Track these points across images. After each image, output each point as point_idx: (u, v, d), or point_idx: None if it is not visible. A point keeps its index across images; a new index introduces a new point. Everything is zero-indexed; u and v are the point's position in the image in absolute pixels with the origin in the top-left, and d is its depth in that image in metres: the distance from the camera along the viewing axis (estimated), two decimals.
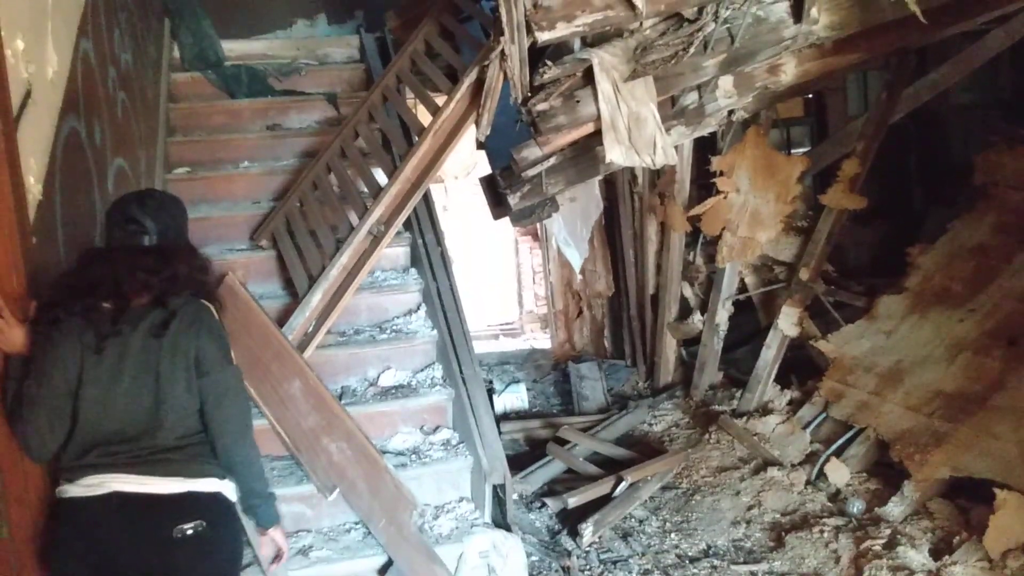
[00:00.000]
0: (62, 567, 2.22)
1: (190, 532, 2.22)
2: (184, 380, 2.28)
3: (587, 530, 4.24)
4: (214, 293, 2.50)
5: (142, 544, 2.21)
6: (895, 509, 4.06)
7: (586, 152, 4.00)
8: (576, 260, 6.92)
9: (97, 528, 2.20)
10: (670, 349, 6.18)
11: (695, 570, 4.01)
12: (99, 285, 2.26)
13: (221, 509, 2.34)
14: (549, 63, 3.34)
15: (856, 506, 4.19)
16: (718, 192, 5.48)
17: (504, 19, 3.00)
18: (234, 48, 5.87)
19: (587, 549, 4.23)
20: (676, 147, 4.61)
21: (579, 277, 7.22)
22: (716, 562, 4.04)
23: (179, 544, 2.21)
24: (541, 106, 3.44)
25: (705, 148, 5.65)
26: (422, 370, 4.30)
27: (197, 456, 2.32)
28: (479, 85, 3.76)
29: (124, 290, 2.27)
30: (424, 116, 4.34)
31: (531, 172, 3.95)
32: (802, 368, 5.33)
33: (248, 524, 2.72)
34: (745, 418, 5.10)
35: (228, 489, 2.38)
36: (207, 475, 2.31)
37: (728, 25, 3.45)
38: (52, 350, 2.20)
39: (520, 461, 5.18)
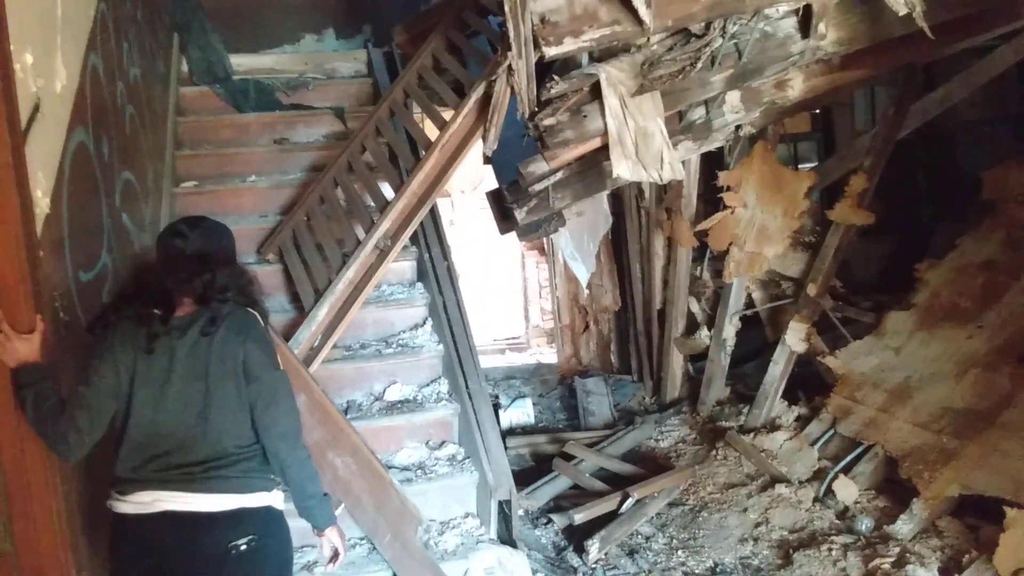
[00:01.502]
0: (121, 571, 2.33)
1: (244, 548, 2.29)
2: (233, 384, 2.32)
3: (593, 547, 4.21)
4: (259, 302, 2.54)
5: (197, 561, 2.28)
6: (904, 527, 4.03)
7: (593, 167, 4.00)
8: (583, 275, 6.91)
9: (152, 546, 2.27)
10: (677, 364, 6.16)
11: None
12: (146, 290, 2.36)
13: (270, 521, 2.41)
14: (556, 78, 3.34)
15: (865, 524, 4.15)
16: (725, 207, 5.47)
17: (512, 34, 3.01)
18: (242, 62, 5.90)
19: (593, 566, 4.21)
20: (683, 162, 4.60)
21: (586, 292, 7.20)
22: None
23: (234, 559, 2.28)
24: (548, 121, 3.44)
25: (712, 163, 5.65)
26: (428, 385, 4.30)
27: (249, 471, 2.36)
28: (486, 100, 3.77)
29: (169, 294, 2.35)
30: (431, 130, 4.35)
31: (538, 187, 3.95)
32: (810, 384, 5.31)
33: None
34: (752, 434, 5.08)
35: (277, 499, 2.44)
36: (257, 489, 2.36)
37: (735, 40, 3.45)
38: (104, 351, 2.28)
39: (526, 477, 5.16)
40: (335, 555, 2.60)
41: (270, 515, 2.41)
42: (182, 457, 2.30)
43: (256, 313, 2.47)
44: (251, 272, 2.59)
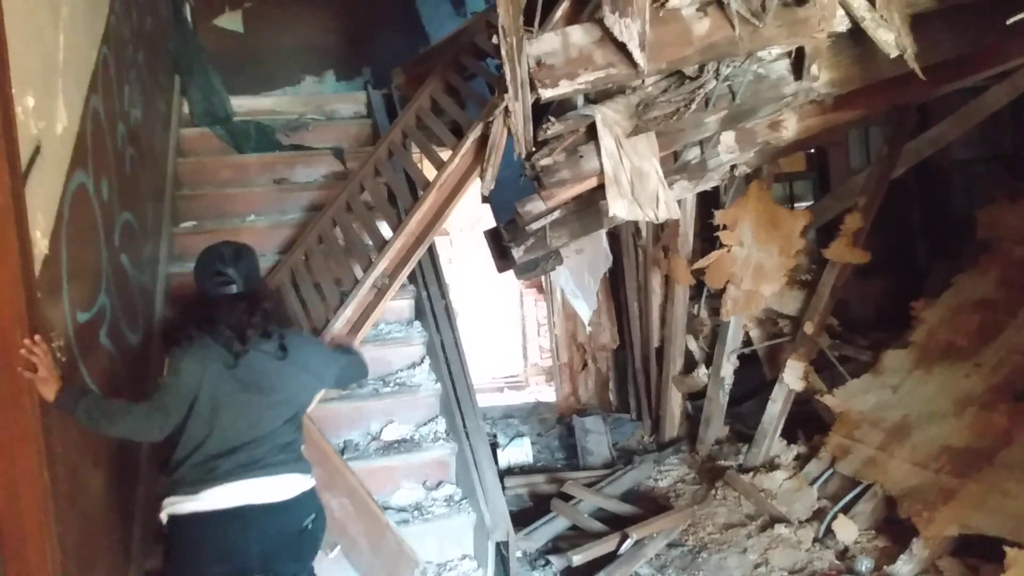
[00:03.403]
0: (199, 571, 2.61)
1: (310, 525, 2.75)
2: (297, 391, 2.81)
3: None
4: (288, 316, 3.02)
5: (278, 543, 2.67)
6: (904, 567, 4.00)
7: (590, 206, 4.03)
8: (585, 312, 6.91)
9: (232, 535, 2.60)
10: (675, 403, 6.14)
11: None
12: (216, 321, 2.68)
13: (315, 498, 2.85)
14: (552, 119, 3.38)
15: (865, 564, 4.12)
16: (722, 245, 5.49)
17: (508, 76, 3.04)
18: (243, 104, 5.97)
19: None
20: (679, 201, 4.63)
21: (587, 329, 7.19)
22: None
23: (305, 535, 2.74)
24: (545, 161, 3.47)
25: (708, 202, 5.68)
26: (425, 424, 4.29)
27: (299, 455, 2.83)
28: (483, 140, 3.81)
29: (238, 327, 2.69)
30: (430, 171, 4.38)
31: (535, 225, 3.97)
32: (808, 423, 5.29)
33: None
34: (752, 473, 5.05)
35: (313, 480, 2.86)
36: (307, 472, 2.80)
37: (729, 82, 3.49)
38: (193, 353, 2.62)
39: (524, 517, 5.12)
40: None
41: (314, 494, 2.84)
42: (250, 453, 2.65)
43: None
44: (277, 288, 3.16)
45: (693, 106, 3.41)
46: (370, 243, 4.48)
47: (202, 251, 2.86)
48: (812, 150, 6.84)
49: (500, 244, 4.28)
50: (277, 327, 2.79)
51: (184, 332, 2.67)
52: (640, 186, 3.45)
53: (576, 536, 4.83)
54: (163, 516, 2.63)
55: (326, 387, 3.17)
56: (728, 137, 4.10)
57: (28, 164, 2.35)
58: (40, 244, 2.40)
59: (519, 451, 6.38)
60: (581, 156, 3.47)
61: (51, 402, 2.34)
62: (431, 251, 4.90)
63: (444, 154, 4.32)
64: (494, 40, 2.99)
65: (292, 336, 2.84)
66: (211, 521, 2.58)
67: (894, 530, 4.30)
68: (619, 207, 3.42)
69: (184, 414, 2.59)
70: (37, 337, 2.28)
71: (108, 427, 2.51)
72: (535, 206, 3.85)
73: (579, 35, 3.01)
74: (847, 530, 4.36)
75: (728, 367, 5.70)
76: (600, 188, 3.49)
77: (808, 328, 5.23)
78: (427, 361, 4.56)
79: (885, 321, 5.84)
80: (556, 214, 4.01)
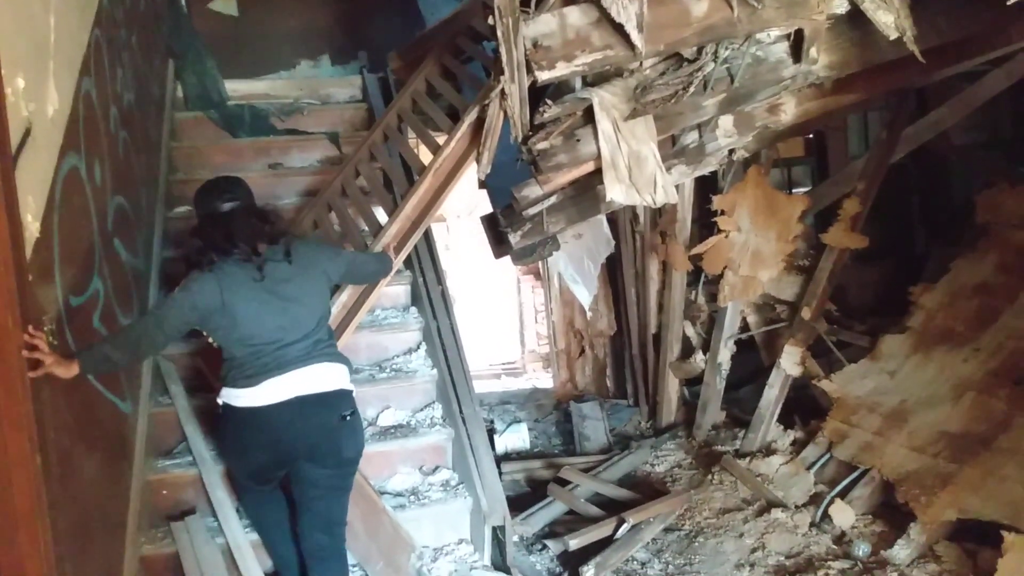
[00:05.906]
0: (251, 459, 3.11)
1: (348, 418, 3.12)
2: (319, 284, 3.14)
3: (588, 573, 4.17)
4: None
5: (317, 430, 3.03)
6: (901, 552, 4.00)
7: (587, 190, 4.00)
8: (585, 297, 6.88)
9: (280, 426, 2.97)
10: (672, 389, 6.13)
11: None
12: (233, 236, 2.96)
13: (354, 402, 3.21)
14: (549, 102, 3.34)
15: (862, 549, 4.12)
16: (719, 231, 5.47)
17: (504, 59, 3.01)
18: (238, 88, 5.93)
19: None
20: (677, 186, 4.61)
21: (588, 314, 7.17)
22: None
23: (342, 426, 3.09)
24: (541, 145, 3.44)
25: (706, 187, 5.66)
26: (422, 409, 4.28)
27: (339, 352, 3.20)
28: (480, 124, 3.77)
29: (250, 238, 2.98)
30: (425, 155, 4.35)
31: (532, 211, 3.95)
32: (805, 408, 5.29)
33: None
34: (748, 458, 5.05)
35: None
36: (347, 366, 3.18)
37: (727, 65, 3.47)
38: (210, 279, 2.89)
39: (521, 502, 5.12)
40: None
41: (352, 396, 3.20)
42: (293, 349, 2.99)
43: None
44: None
45: (691, 89, 3.38)
46: (366, 228, 4.46)
47: (200, 186, 3.19)
48: (811, 135, 6.81)
49: (497, 230, 4.26)
50: (286, 238, 3.11)
51: (206, 256, 2.93)
52: (638, 170, 3.42)
53: (573, 521, 4.83)
54: (219, 401, 3.04)
55: (335, 281, 3.42)
56: (726, 121, 4.08)
57: (18, 146, 2.32)
58: (31, 227, 2.37)
59: (516, 437, 6.38)
60: (578, 140, 3.44)
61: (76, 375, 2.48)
62: (427, 236, 4.88)
63: (440, 138, 4.29)
64: (490, 21, 2.95)
65: (294, 242, 3.14)
66: (260, 412, 2.94)
67: (891, 515, 4.31)
68: (616, 192, 3.40)
69: (181, 330, 2.90)
70: (32, 329, 2.28)
71: (132, 360, 3.00)
72: (532, 191, 3.83)
73: (576, 16, 2.98)
74: (844, 515, 4.36)
75: (725, 353, 5.69)
76: (597, 173, 3.46)
77: (806, 313, 5.22)
78: (423, 347, 4.54)
79: (883, 306, 5.83)
80: (553, 199, 3.98)
